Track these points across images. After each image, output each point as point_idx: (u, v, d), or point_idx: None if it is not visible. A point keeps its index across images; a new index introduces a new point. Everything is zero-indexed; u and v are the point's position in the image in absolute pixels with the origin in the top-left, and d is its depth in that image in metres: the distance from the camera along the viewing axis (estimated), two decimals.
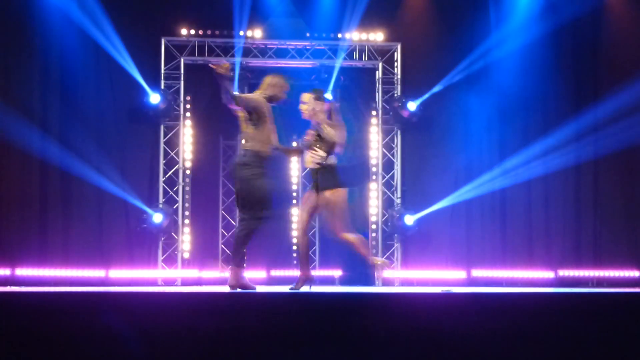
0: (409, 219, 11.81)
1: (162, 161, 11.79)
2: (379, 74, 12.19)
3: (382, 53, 12.18)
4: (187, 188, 11.86)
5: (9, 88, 11.30)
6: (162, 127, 11.82)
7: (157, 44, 11.77)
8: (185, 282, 11.53)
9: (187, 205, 11.83)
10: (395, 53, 12.16)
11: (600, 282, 12.02)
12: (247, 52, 11.84)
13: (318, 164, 7.29)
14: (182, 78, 11.80)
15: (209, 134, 11.96)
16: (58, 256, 11.30)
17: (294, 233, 12.25)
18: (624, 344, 5.00)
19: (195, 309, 5.06)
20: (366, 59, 12.16)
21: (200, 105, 11.90)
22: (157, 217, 11.47)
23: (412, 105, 11.92)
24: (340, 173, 7.42)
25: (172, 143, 11.85)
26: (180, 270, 11.66)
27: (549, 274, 12.04)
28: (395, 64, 12.19)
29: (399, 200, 12.11)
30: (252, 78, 11.96)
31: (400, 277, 11.94)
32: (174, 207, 11.78)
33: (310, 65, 12.07)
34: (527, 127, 12.28)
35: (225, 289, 7.52)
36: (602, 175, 12.25)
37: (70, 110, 11.48)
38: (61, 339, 4.80)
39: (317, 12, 12.02)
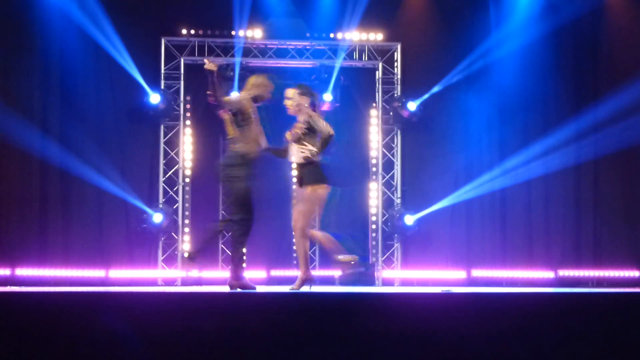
0: (409, 219, 11.81)
1: (162, 161, 11.79)
2: (379, 74, 12.19)
3: (382, 53, 12.18)
4: (187, 188, 11.86)
5: (9, 88, 11.30)
6: (162, 127, 11.82)
7: (157, 44, 11.77)
8: (185, 282, 11.53)
9: (187, 205, 11.83)
10: (395, 53, 12.16)
11: (600, 282, 12.02)
12: (247, 52, 11.84)
13: (306, 158, 7.27)
14: (182, 78, 11.80)
15: (209, 134, 11.95)
16: (58, 256, 11.30)
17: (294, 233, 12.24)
18: (624, 344, 5.00)
19: (195, 309, 5.06)
20: (366, 59, 12.16)
21: (200, 105, 11.89)
22: (157, 217, 11.47)
23: (412, 105, 11.92)
24: (324, 170, 7.41)
25: (172, 143, 11.85)
26: (180, 270, 11.65)
27: (549, 274, 12.04)
28: (395, 64, 12.19)
29: (399, 200, 12.11)
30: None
31: (400, 277, 11.94)
32: (174, 207, 11.79)
33: (310, 65, 12.07)
34: (527, 127, 12.28)
35: (225, 289, 7.53)
36: (602, 175, 12.25)
37: (70, 110, 11.48)
38: (61, 339, 4.79)
39: (317, 12, 12.02)
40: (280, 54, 12.05)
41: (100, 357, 4.77)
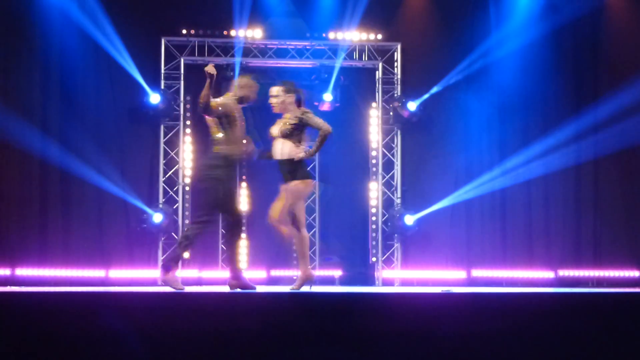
0: (409, 219, 11.81)
1: (162, 161, 11.78)
2: (379, 74, 12.19)
3: (382, 53, 12.18)
4: (187, 188, 11.85)
5: (9, 88, 11.30)
6: (162, 127, 11.82)
7: (157, 44, 11.77)
8: (185, 282, 11.51)
9: (187, 205, 11.82)
10: (395, 53, 12.16)
11: (600, 282, 12.02)
12: (247, 52, 11.84)
13: (293, 155, 7.27)
14: (182, 78, 11.80)
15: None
16: (58, 256, 11.29)
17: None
18: (624, 344, 5.00)
19: (195, 309, 5.06)
20: (366, 59, 12.16)
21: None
22: (157, 217, 11.47)
23: (412, 105, 11.92)
24: (306, 166, 7.43)
25: (172, 143, 11.85)
26: (180, 270, 11.64)
27: (549, 274, 12.04)
28: (395, 64, 12.19)
29: (399, 200, 12.11)
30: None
31: (400, 277, 11.94)
32: (174, 207, 11.78)
33: (310, 65, 12.07)
34: (527, 126, 12.28)
35: (226, 289, 7.53)
36: (602, 175, 12.25)
37: (70, 110, 11.48)
38: (61, 339, 4.80)
39: (317, 12, 12.02)
40: (280, 54, 12.05)
41: (100, 357, 4.77)
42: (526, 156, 11.99)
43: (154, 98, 11.50)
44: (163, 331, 4.86)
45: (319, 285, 11.72)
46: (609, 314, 5.16)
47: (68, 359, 4.77)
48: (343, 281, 11.99)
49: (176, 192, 11.81)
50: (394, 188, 12.20)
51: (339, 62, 11.82)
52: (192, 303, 5.23)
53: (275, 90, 7.50)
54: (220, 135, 7.33)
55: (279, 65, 12.08)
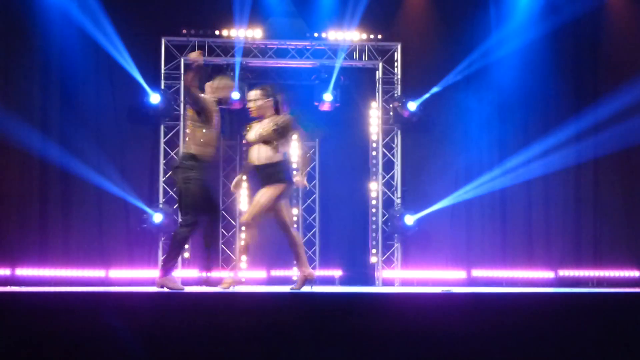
0: (409, 219, 11.81)
1: (162, 161, 11.78)
2: (379, 74, 12.19)
3: (382, 53, 12.18)
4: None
5: (9, 88, 11.30)
6: (162, 127, 11.81)
7: (157, 44, 11.77)
8: (185, 282, 11.52)
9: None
10: (395, 53, 12.16)
11: (600, 282, 12.02)
12: (247, 52, 11.84)
13: (270, 160, 7.27)
14: (182, 78, 11.79)
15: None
16: (58, 256, 11.30)
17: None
18: (624, 344, 5.00)
19: (195, 309, 5.07)
20: (366, 59, 12.16)
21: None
22: (157, 217, 11.47)
23: (412, 105, 11.92)
24: (286, 168, 7.41)
25: (172, 143, 11.85)
26: (180, 270, 11.65)
27: (549, 274, 12.04)
28: (395, 64, 12.19)
29: (399, 200, 12.11)
30: (252, 78, 11.96)
31: (400, 277, 11.94)
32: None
33: (310, 65, 12.07)
34: (527, 126, 12.29)
35: (229, 288, 7.52)
36: (602, 175, 12.26)
37: (70, 110, 11.48)
38: (61, 339, 4.80)
39: (317, 12, 12.02)
40: (280, 54, 12.05)
41: (100, 357, 4.77)
42: (526, 156, 12.00)
43: (154, 98, 11.50)
44: (163, 331, 4.86)
45: (319, 285, 11.73)
46: (609, 314, 5.16)
47: (68, 359, 4.77)
48: (343, 281, 11.99)
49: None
50: (394, 188, 12.21)
51: (339, 62, 11.82)
52: (192, 303, 5.23)
53: (253, 94, 7.46)
54: (193, 134, 7.29)
55: (279, 65, 12.08)
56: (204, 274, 7.54)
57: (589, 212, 12.23)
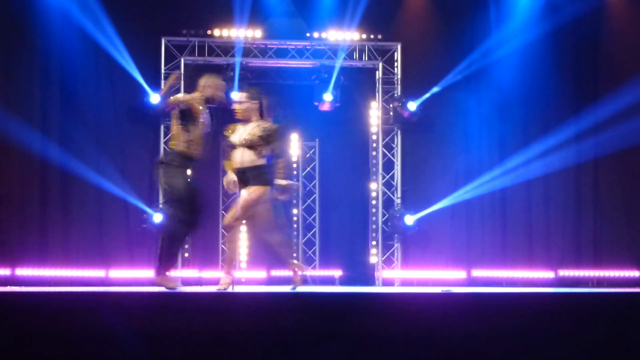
0: (409, 219, 11.81)
1: None
2: (379, 74, 12.19)
3: (382, 53, 12.18)
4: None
5: (9, 88, 11.30)
6: (162, 127, 11.81)
7: (157, 44, 11.76)
8: (185, 282, 11.53)
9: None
10: (395, 53, 12.16)
11: (600, 282, 12.02)
12: (247, 52, 11.84)
13: (254, 163, 7.25)
14: (182, 78, 11.79)
15: (209, 133, 11.93)
16: (58, 256, 11.29)
17: (294, 233, 12.25)
18: (624, 344, 5.00)
19: (195, 309, 5.06)
20: (366, 59, 12.16)
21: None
22: (157, 217, 11.46)
23: (412, 105, 11.92)
24: (269, 172, 7.39)
25: None
26: (180, 270, 11.65)
27: (549, 274, 12.04)
28: (395, 64, 12.19)
29: (399, 200, 12.11)
30: (252, 78, 11.95)
31: (400, 277, 11.94)
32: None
33: (310, 65, 12.07)
34: (527, 126, 12.28)
35: (227, 288, 7.51)
36: (602, 175, 12.26)
37: (70, 110, 11.48)
38: (61, 339, 4.80)
39: (317, 12, 12.02)
40: (280, 54, 12.05)
41: (100, 357, 4.77)
42: (526, 156, 11.99)
43: (154, 98, 11.50)
44: (163, 331, 4.86)
45: (319, 285, 11.73)
46: (609, 314, 5.16)
47: (68, 359, 4.77)
48: (343, 281, 11.99)
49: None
50: (394, 188, 12.20)
51: (339, 62, 11.82)
52: (192, 303, 5.23)
53: (238, 96, 7.44)
54: (178, 131, 7.27)
55: (279, 65, 12.08)
56: (159, 277, 7.34)
57: (589, 212, 12.23)
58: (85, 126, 11.47)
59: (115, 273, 11.43)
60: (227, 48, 11.90)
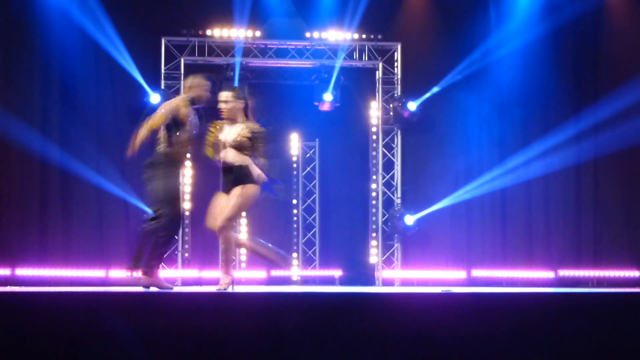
0: (409, 219, 11.81)
1: None
2: (379, 74, 12.19)
3: (382, 53, 12.18)
4: (187, 188, 11.84)
5: (9, 88, 11.30)
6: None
7: (157, 44, 11.77)
8: (185, 282, 11.53)
9: (187, 205, 11.81)
10: (395, 53, 12.17)
11: (600, 282, 12.02)
12: (247, 52, 11.84)
13: (243, 162, 7.24)
14: (182, 78, 11.79)
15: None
16: (58, 256, 11.29)
17: (294, 233, 12.26)
18: (624, 344, 5.00)
19: (195, 309, 5.06)
20: (366, 59, 12.16)
21: (200, 105, 11.88)
22: None
23: (412, 105, 11.92)
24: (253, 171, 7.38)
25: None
26: (180, 270, 11.66)
27: (549, 274, 12.04)
28: (395, 64, 12.19)
29: (399, 200, 12.11)
30: (252, 78, 11.95)
31: (400, 277, 11.94)
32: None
33: (310, 65, 12.07)
34: (527, 126, 12.29)
35: (227, 289, 7.51)
36: (602, 175, 12.26)
37: (70, 110, 11.48)
38: (61, 339, 4.79)
39: (317, 12, 12.02)
40: (280, 54, 12.05)
41: (100, 357, 4.77)
42: (526, 156, 12.00)
43: (154, 98, 11.49)
44: (163, 331, 4.86)
45: (319, 285, 11.74)
46: (609, 314, 5.16)
47: (68, 359, 4.77)
48: (343, 281, 11.99)
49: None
50: (394, 188, 12.21)
51: (339, 62, 11.82)
52: (191, 303, 5.23)
53: (224, 95, 7.41)
54: (164, 134, 7.28)
55: (279, 65, 12.08)
56: (146, 278, 7.35)
57: (589, 212, 12.23)
58: (85, 126, 11.47)
59: (115, 273, 11.43)
60: (227, 48, 11.89)
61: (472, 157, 12.24)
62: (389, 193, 12.19)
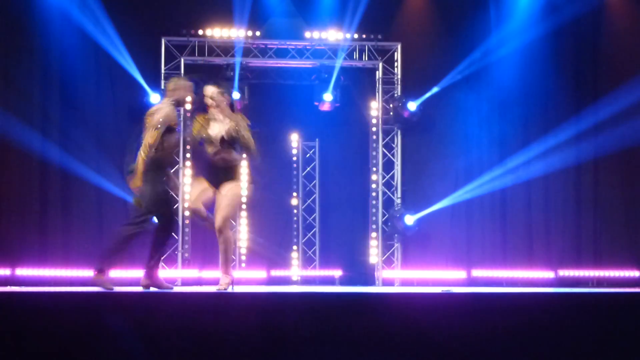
0: (409, 219, 11.81)
1: None
2: (379, 74, 12.19)
3: (382, 53, 12.18)
4: (188, 188, 11.84)
5: (9, 88, 11.29)
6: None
7: (157, 44, 11.77)
8: (185, 282, 11.53)
9: (187, 205, 11.81)
10: (395, 53, 12.16)
11: (600, 282, 12.02)
12: (247, 52, 11.84)
13: (230, 161, 7.27)
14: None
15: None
16: (58, 256, 11.29)
17: (294, 233, 12.25)
18: (624, 344, 5.00)
19: (195, 309, 5.06)
20: (366, 59, 12.16)
21: (200, 105, 11.88)
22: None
23: (412, 105, 11.92)
24: (240, 169, 7.42)
25: None
26: (180, 270, 11.65)
27: (549, 274, 12.04)
28: (395, 64, 12.19)
29: (399, 200, 12.11)
30: (252, 78, 11.95)
31: (400, 277, 11.94)
32: (174, 207, 11.77)
33: (310, 65, 12.07)
34: (527, 126, 12.28)
35: (227, 289, 7.51)
36: (602, 175, 12.25)
37: (70, 110, 11.48)
38: (61, 339, 4.80)
39: (317, 12, 12.02)
40: (280, 54, 12.05)
41: (100, 357, 4.77)
42: (526, 156, 12.00)
43: (154, 98, 11.48)
44: (163, 331, 4.86)
45: (319, 285, 11.74)
46: (609, 314, 5.16)
47: (68, 359, 4.77)
48: (343, 281, 11.99)
49: (176, 193, 11.79)
50: (394, 188, 12.21)
51: (339, 62, 11.82)
52: (191, 303, 5.23)
53: (210, 91, 7.44)
54: (149, 137, 7.27)
55: (279, 65, 12.08)
56: (146, 278, 7.41)
57: (589, 212, 12.23)
58: (85, 126, 11.47)
59: (115, 273, 11.41)
60: (227, 48, 11.89)
61: (472, 157, 12.24)
62: (389, 193, 12.19)
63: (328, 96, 11.82)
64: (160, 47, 11.76)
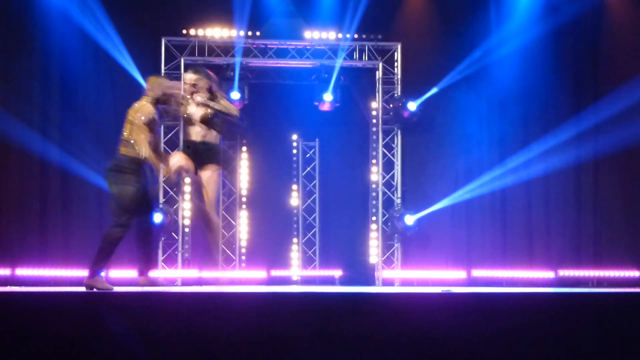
0: (409, 219, 11.81)
1: None
2: (379, 74, 12.19)
3: (382, 53, 12.19)
4: (188, 188, 11.85)
5: (9, 88, 11.30)
6: (162, 127, 11.81)
7: (157, 44, 11.77)
8: (185, 282, 11.53)
9: (187, 205, 11.82)
10: (395, 53, 12.17)
11: (600, 282, 12.02)
12: (247, 52, 11.84)
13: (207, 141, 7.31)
14: (182, 78, 11.78)
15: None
16: (58, 256, 11.30)
17: (294, 233, 12.25)
18: (624, 344, 5.00)
19: (195, 309, 5.06)
20: (366, 59, 12.16)
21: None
22: (157, 217, 11.45)
23: (412, 105, 11.92)
24: (221, 151, 7.47)
25: (172, 143, 11.84)
26: (180, 270, 11.66)
27: (549, 274, 12.04)
28: (395, 64, 12.20)
29: (399, 200, 12.11)
30: (252, 78, 11.96)
31: (400, 277, 11.94)
32: (174, 207, 11.78)
33: (310, 65, 12.07)
34: (527, 126, 12.28)
35: (226, 288, 7.52)
36: (602, 175, 12.25)
37: (70, 110, 11.48)
38: (61, 339, 4.80)
39: (317, 12, 12.02)
40: (280, 54, 12.05)
41: (100, 357, 4.77)
42: (526, 156, 11.99)
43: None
44: (162, 331, 4.86)
45: (319, 285, 11.74)
46: (609, 314, 5.16)
47: (68, 359, 4.77)
48: (343, 281, 11.99)
49: (176, 192, 11.81)
50: (394, 188, 12.21)
51: (339, 62, 11.82)
52: (191, 303, 5.23)
53: (189, 78, 7.49)
54: (130, 136, 7.26)
55: (279, 65, 12.08)
56: (141, 275, 7.46)
57: (589, 212, 12.23)
58: (85, 126, 11.47)
59: (115, 273, 11.43)
60: (227, 48, 11.90)
61: (472, 157, 12.24)
62: (389, 193, 12.19)
63: (328, 96, 11.82)
64: (160, 47, 11.76)
